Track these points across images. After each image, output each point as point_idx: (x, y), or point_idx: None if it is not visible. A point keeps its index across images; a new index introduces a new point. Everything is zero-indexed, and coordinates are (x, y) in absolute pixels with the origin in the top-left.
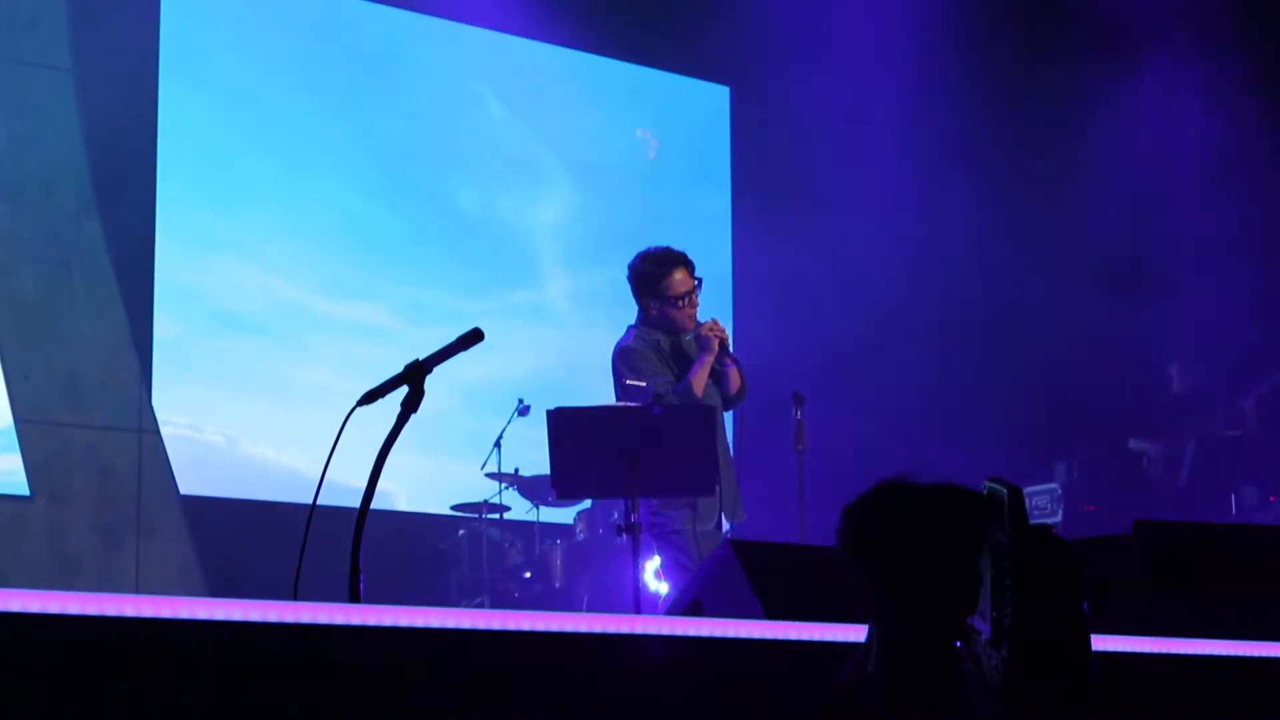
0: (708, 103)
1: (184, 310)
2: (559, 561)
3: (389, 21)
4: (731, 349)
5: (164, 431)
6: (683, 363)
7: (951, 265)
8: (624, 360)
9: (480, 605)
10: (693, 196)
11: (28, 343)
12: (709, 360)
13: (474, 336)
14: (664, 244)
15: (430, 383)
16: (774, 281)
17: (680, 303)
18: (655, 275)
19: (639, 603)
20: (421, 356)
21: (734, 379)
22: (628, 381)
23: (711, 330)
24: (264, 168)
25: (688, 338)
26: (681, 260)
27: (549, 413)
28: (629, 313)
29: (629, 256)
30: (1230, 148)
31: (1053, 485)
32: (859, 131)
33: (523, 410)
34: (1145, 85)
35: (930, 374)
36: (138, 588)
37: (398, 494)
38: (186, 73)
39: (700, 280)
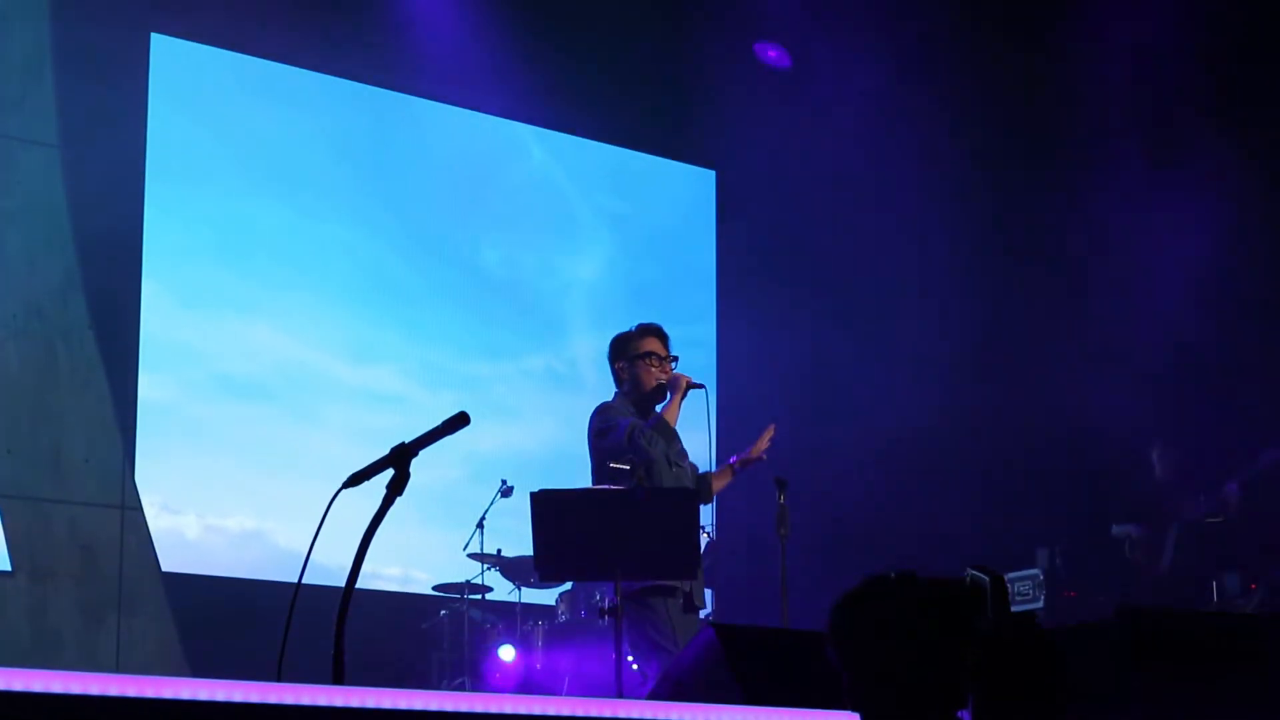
0: (694, 185)
1: (171, 380)
2: (540, 643)
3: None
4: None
5: (147, 507)
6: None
7: (935, 351)
8: (599, 416)
9: (461, 686)
10: (678, 281)
11: (11, 418)
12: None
13: (460, 421)
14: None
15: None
16: (758, 366)
17: (650, 361)
18: (629, 338)
19: (621, 686)
20: (408, 440)
21: (719, 483)
22: (611, 464)
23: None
24: (260, 233)
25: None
26: (657, 330)
27: (533, 495)
28: None
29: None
30: (1214, 251)
31: (1034, 571)
32: (847, 215)
33: (505, 491)
34: (1152, 192)
35: (912, 460)
36: (119, 665)
37: (388, 572)
38: (175, 143)
39: (676, 358)
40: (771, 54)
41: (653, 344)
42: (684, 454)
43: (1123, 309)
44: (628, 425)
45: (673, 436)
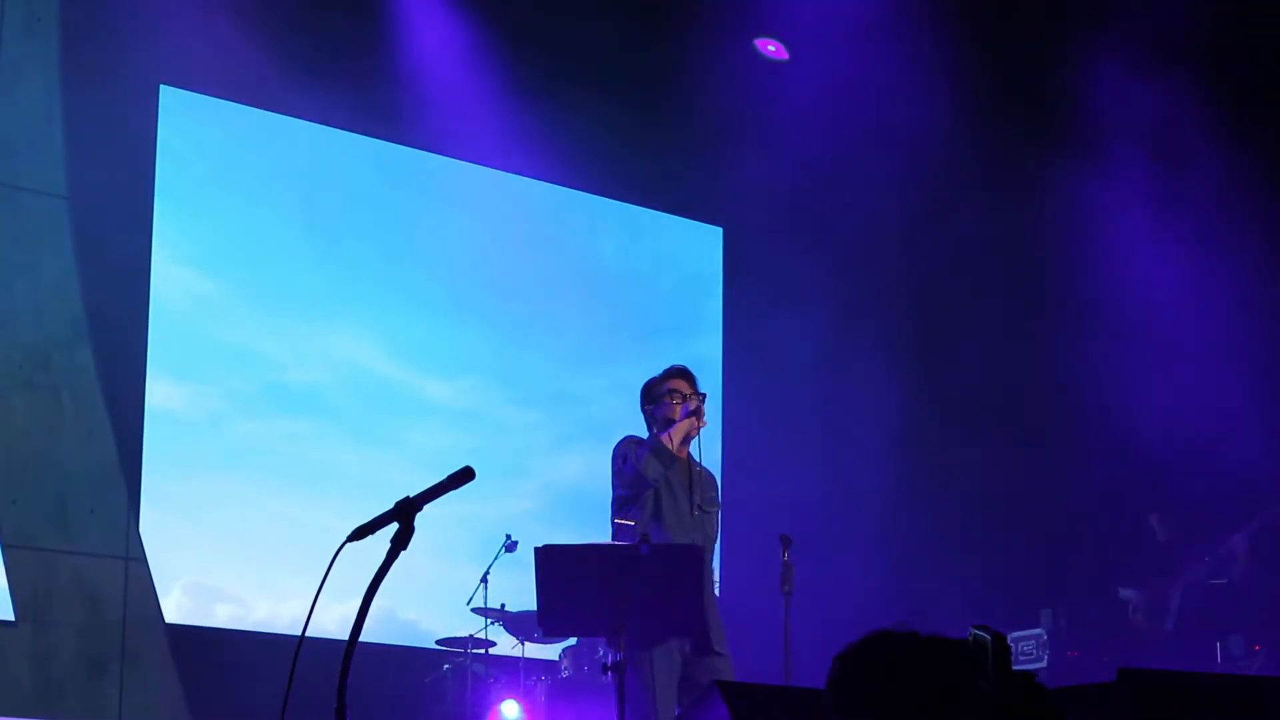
0: (701, 242)
1: (174, 435)
2: (544, 698)
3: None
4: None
5: (152, 557)
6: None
7: (940, 411)
8: (621, 447)
9: None
10: (684, 338)
11: (16, 468)
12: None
13: (465, 476)
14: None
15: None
16: (764, 425)
17: (673, 398)
18: (656, 381)
19: None
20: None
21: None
22: (616, 520)
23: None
24: (278, 267)
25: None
26: (683, 372)
27: (537, 550)
28: None
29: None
30: (1216, 287)
31: (1038, 631)
32: (854, 274)
33: (510, 546)
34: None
35: (918, 519)
36: (121, 716)
37: (391, 624)
38: (184, 194)
39: (704, 394)
40: (770, 48)
41: (678, 384)
42: (714, 501)
43: (1131, 373)
44: (624, 451)
45: (670, 462)
